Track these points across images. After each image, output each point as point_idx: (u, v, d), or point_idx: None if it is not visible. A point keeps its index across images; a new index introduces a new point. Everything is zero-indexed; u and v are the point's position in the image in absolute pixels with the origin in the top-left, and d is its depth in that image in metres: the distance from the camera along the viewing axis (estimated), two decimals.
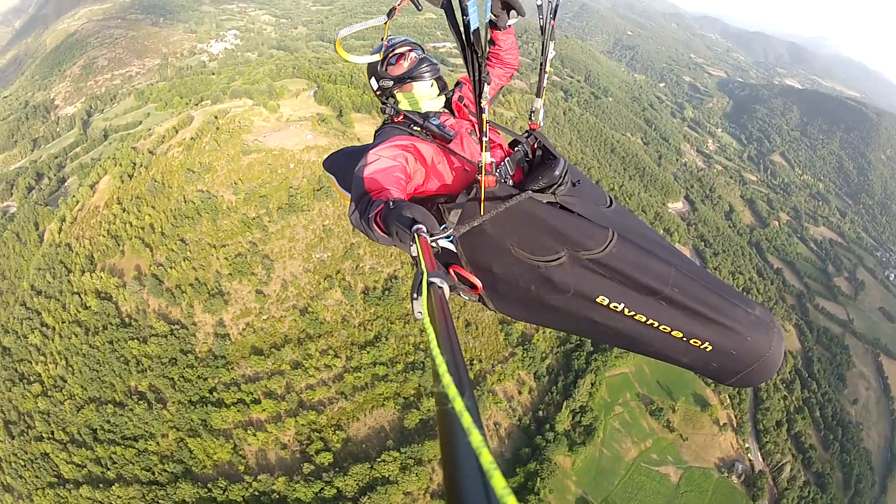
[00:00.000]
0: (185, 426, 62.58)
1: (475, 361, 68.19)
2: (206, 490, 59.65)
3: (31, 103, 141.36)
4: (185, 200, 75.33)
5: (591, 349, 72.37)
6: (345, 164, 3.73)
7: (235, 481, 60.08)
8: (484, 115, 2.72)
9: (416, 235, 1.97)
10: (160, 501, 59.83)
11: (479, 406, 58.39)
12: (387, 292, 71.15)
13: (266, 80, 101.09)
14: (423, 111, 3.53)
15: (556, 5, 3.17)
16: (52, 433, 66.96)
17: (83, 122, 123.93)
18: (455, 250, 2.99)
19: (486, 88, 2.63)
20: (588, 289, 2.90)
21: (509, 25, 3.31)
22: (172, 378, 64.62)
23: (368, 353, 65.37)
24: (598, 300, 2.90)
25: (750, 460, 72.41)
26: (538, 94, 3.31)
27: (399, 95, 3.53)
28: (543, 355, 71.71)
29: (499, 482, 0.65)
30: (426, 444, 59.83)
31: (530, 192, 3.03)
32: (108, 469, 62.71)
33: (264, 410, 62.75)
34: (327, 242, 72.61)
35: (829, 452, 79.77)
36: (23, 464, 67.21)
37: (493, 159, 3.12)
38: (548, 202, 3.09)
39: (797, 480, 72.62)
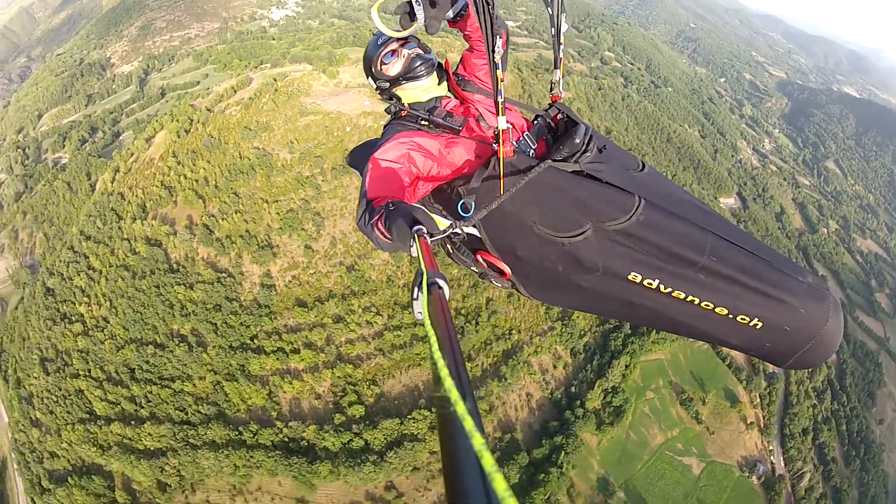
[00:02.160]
0: (223, 370, 65.66)
1: (514, 332, 70.44)
2: (236, 433, 62.55)
3: (87, 61, 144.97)
4: (241, 156, 78.86)
5: (630, 332, 74.17)
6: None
7: (267, 426, 63.01)
8: (499, 71, 2.70)
9: (416, 236, 2.10)
10: (190, 440, 62.86)
11: (514, 376, 61.83)
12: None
13: (326, 48, 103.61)
14: (426, 100, 3.51)
15: None
16: (89, 371, 70.29)
17: (140, 80, 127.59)
18: (479, 235, 3.01)
19: (499, 41, 2.63)
20: (618, 265, 2.81)
21: (457, 16, 3.17)
22: (215, 323, 67.82)
23: (410, 313, 67.04)
24: (629, 277, 2.81)
25: (772, 463, 73.61)
26: (556, 66, 3.28)
27: (399, 93, 3.51)
28: (582, 332, 73.64)
29: (500, 485, 0.67)
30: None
31: (551, 161, 2.96)
32: (142, 407, 65.85)
33: (303, 360, 65.58)
34: None
35: (849, 469, 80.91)
36: (55, 400, 70.55)
37: (509, 125, 3.00)
38: (572, 171, 3.00)
39: (814, 491, 73.81)
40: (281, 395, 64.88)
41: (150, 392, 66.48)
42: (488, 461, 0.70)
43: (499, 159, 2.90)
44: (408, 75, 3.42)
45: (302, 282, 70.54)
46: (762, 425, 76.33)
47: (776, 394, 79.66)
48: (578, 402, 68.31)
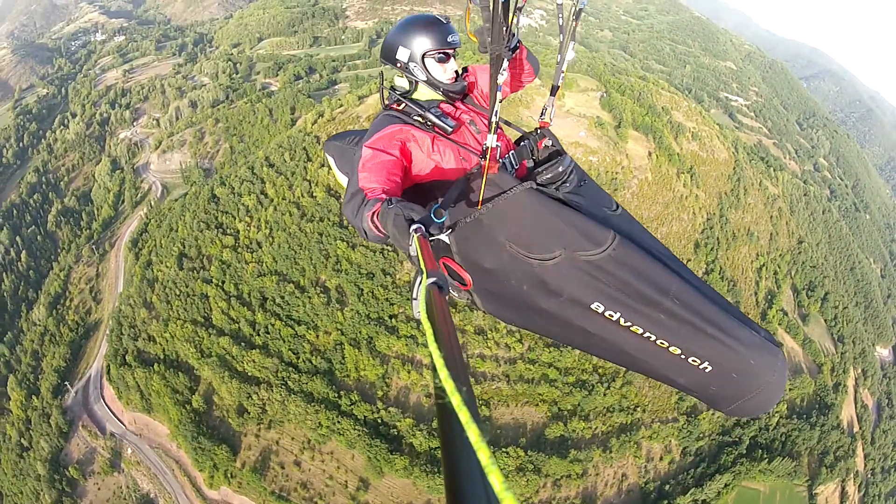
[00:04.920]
0: (351, 334, 70.56)
1: (639, 409, 72.15)
2: (336, 395, 67.36)
3: (322, 4, 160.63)
4: None
5: (744, 452, 74.31)
6: (344, 148, 4.07)
7: (367, 401, 67.33)
8: (498, 93, 2.93)
9: (414, 235, 2.19)
10: (289, 382, 68.19)
11: (620, 451, 65.68)
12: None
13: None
14: (425, 101, 3.70)
15: (580, 9, 3.27)
16: (223, 283, 77.84)
17: (371, 40, 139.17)
18: (447, 242, 3.16)
19: (505, 63, 2.86)
20: (583, 294, 3.04)
21: (512, 53, 3.48)
22: (362, 289, 73.14)
23: (550, 352, 70.26)
24: (592, 307, 3.04)
25: None
26: (552, 93, 3.57)
27: (426, 73, 3.66)
28: (701, 435, 73.93)
29: (497, 479, 0.70)
30: (553, 460, 64.96)
31: (533, 183, 3.22)
32: (258, 335, 72.06)
33: (429, 356, 70.11)
34: None
35: None
36: (178, 294, 78.65)
37: (498, 143, 3.17)
38: (551, 197, 3.25)
39: None
40: (395, 378, 69.18)
41: (273, 325, 72.62)
42: (485, 454, 0.74)
43: (482, 173, 3.12)
44: (445, 84, 3.69)
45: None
46: None
47: None
48: (666, 503, 69.00)
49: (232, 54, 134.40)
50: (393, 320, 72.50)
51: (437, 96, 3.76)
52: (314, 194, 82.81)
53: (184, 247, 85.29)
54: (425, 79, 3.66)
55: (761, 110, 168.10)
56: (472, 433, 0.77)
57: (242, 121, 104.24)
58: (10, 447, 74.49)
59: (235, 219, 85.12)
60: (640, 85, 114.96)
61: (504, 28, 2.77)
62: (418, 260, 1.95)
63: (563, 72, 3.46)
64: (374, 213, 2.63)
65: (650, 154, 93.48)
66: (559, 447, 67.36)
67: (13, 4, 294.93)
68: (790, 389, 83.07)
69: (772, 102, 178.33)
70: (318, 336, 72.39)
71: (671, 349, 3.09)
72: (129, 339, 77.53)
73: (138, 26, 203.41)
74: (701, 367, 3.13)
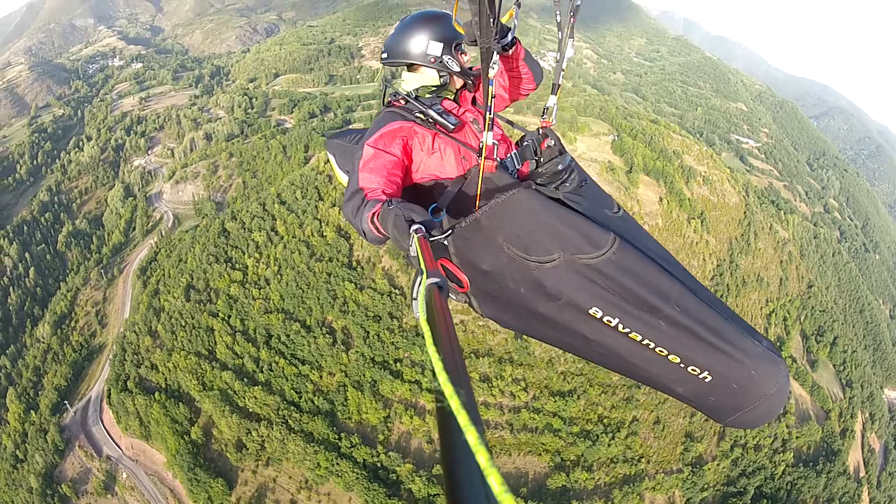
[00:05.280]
0: (355, 377, 70.88)
1: (643, 459, 71.08)
2: (336, 436, 67.32)
3: (338, 43, 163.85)
4: None
5: (749, 502, 72.71)
6: (345, 146, 4.01)
7: (367, 444, 67.20)
8: (491, 88, 2.89)
9: (415, 236, 2.19)
10: (289, 421, 68.43)
11: (624, 502, 64.00)
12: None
13: (571, 111, 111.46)
14: (429, 95, 3.73)
15: (577, 4, 3.11)
16: (229, 317, 78.60)
17: (385, 80, 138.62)
18: (444, 243, 3.07)
19: (496, 57, 2.82)
20: (581, 298, 2.97)
21: (507, 51, 3.48)
22: (368, 331, 73.65)
23: (555, 402, 70.03)
24: (590, 312, 2.97)
25: None
26: (553, 92, 3.36)
27: (458, 63, 3.68)
28: (706, 486, 72.24)
29: (497, 480, 0.70)
30: None
31: (532, 183, 3.22)
32: (262, 372, 72.61)
33: (433, 402, 69.75)
34: None
35: None
36: (183, 324, 79.49)
37: (495, 141, 3.25)
38: (550, 197, 3.20)
39: None
40: (396, 423, 69.16)
41: (276, 363, 73.34)
42: (484, 457, 0.73)
43: (479, 173, 3.12)
44: (463, 73, 3.72)
45: (467, 329, 74.44)
46: None
47: None
48: None
49: (248, 89, 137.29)
50: (398, 364, 72.59)
51: (448, 92, 3.81)
52: (324, 234, 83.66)
53: (192, 278, 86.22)
54: (459, 69, 3.69)
55: (772, 152, 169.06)
56: (471, 436, 0.77)
57: (256, 156, 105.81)
58: (4, 457, 75.39)
59: (245, 254, 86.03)
60: (651, 128, 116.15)
61: (492, 20, 2.77)
62: (419, 261, 1.98)
63: (563, 70, 3.31)
64: (373, 213, 2.66)
65: (661, 199, 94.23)
66: (560, 498, 66.53)
67: (32, 20, 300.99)
68: (797, 437, 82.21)
69: (782, 143, 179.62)
70: (321, 376, 72.73)
71: (670, 357, 3.04)
72: (132, 365, 78.30)
73: (156, 54, 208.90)
74: (700, 376, 3.07)
